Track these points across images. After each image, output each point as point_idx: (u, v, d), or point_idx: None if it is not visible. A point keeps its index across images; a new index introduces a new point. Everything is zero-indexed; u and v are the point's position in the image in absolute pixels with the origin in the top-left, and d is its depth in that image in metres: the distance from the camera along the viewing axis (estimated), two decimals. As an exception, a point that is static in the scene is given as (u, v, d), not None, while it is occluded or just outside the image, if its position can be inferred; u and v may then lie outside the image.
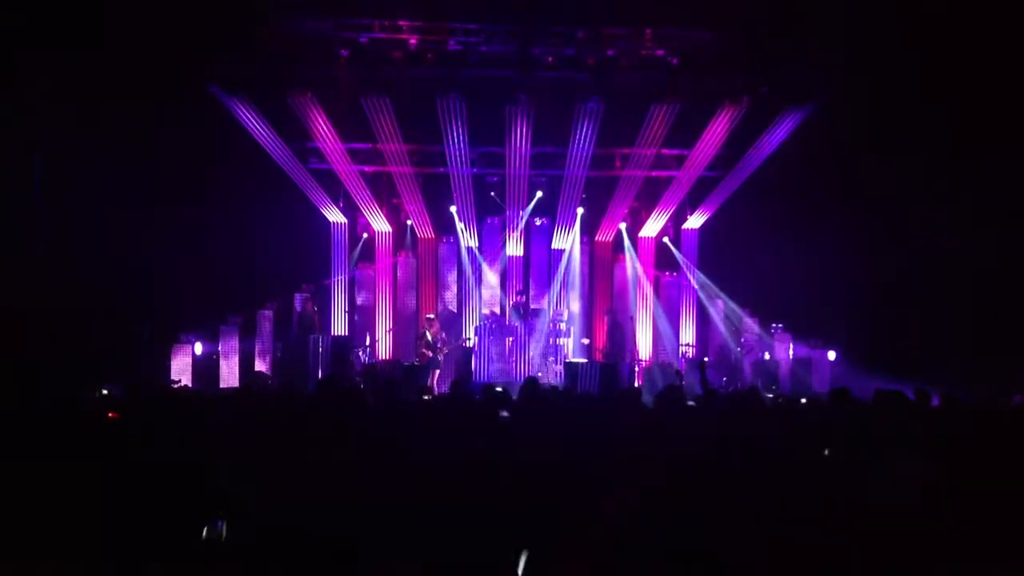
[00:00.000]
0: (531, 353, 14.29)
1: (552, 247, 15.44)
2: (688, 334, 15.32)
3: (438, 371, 13.29)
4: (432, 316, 13.99)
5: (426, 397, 6.74)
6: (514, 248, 15.23)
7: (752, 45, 12.31)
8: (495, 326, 14.56)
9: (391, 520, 4.06)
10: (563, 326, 14.60)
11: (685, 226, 15.36)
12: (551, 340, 14.48)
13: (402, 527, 4.02)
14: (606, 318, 14.68)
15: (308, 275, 14.83)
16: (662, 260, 15.50)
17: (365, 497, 4.19)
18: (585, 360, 13.85)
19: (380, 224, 15.19)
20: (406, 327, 15.19)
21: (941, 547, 3.93)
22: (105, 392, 8.27)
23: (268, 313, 14.30)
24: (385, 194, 14.84)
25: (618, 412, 6.09)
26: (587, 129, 13.03)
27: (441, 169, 14.22)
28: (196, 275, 12.71)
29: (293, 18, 12.02)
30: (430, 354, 13.17)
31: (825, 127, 12.73)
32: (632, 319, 14.42)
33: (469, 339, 14.47)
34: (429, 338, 13.29)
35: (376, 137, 13.14)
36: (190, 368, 13.34)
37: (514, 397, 6.55)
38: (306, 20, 12.11)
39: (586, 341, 14.52)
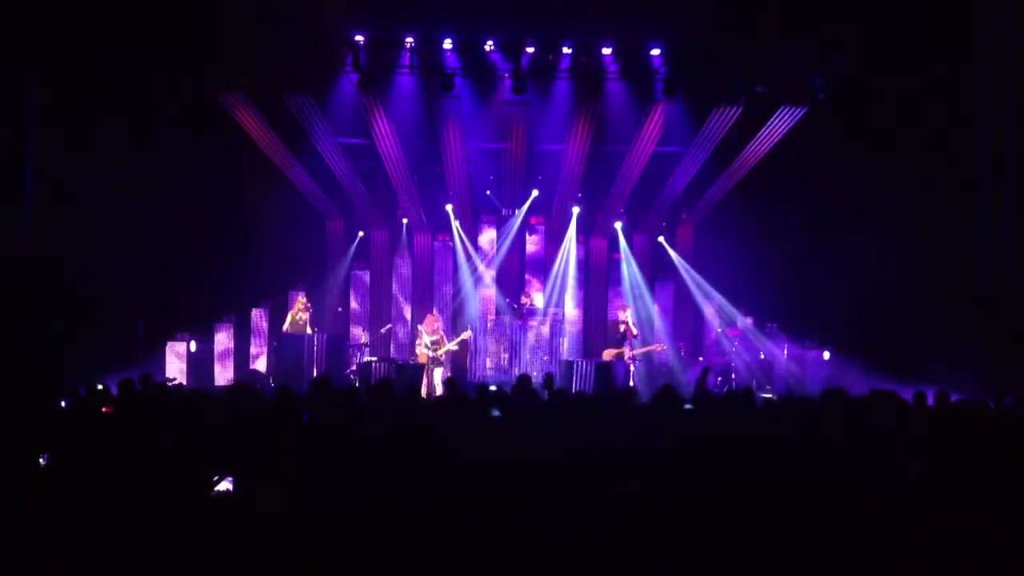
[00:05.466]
0: (526, 352, 14.29)
1: (547, 246, 15.44)
2: (683, 333, 15.33)
3: (442, 369, 13.15)
4: (434, 314, 13.84)
5: (424, 396, 6.73)
6: (510, 247, 15.23)
7: (750, 45, 12.30)
8: (491, 325, 14.55)
9: (380, 519, 4.06)
10: (560, 325, 14.61)
11: (680, 225, 15.38)
12: (547, 339, 14.48)
13: (392, 526, 4.02)
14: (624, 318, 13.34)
15: (303, 274, 14.83)
16: (657, 259, 15.51)
17: (357, 495, 4.19)
18: (580, 359, 13.81)
19: (375, 223, 15.17)
20: (401, 326, 15.19)
21: (937, 545, 3.94)
22: (100, 388, 8.25)
23: (263, 312, 14.28)
24: (381, 192, 14.80)
25: (613, 412, 6.09)
26: (583, 128, 13.01)
27: (437, 168, 14.20)
28: (191, 273, 12.69)
29: (292, 17, 11.98)
30: (431, 354, 13.02)
31: (821, 126, 12.74)
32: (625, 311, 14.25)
33: (465, 338, 14.43)
34: (427, 340, 13.11)
35: (372, 135, 13.11)
36: (185, 365, 13.33)
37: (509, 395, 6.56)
38: (304, 19, 12.07)
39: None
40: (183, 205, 12.66)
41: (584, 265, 15.53)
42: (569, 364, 12.87)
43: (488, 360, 14.45)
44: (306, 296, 14.00)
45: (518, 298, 14.67)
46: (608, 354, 13.03)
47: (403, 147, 13.39)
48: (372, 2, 12.41)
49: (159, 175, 12.39)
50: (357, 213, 15.09)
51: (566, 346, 14.70)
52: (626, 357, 12.91)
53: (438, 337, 13.13)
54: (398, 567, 3.94)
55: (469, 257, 15.16)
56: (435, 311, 14.43)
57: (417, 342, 13.38)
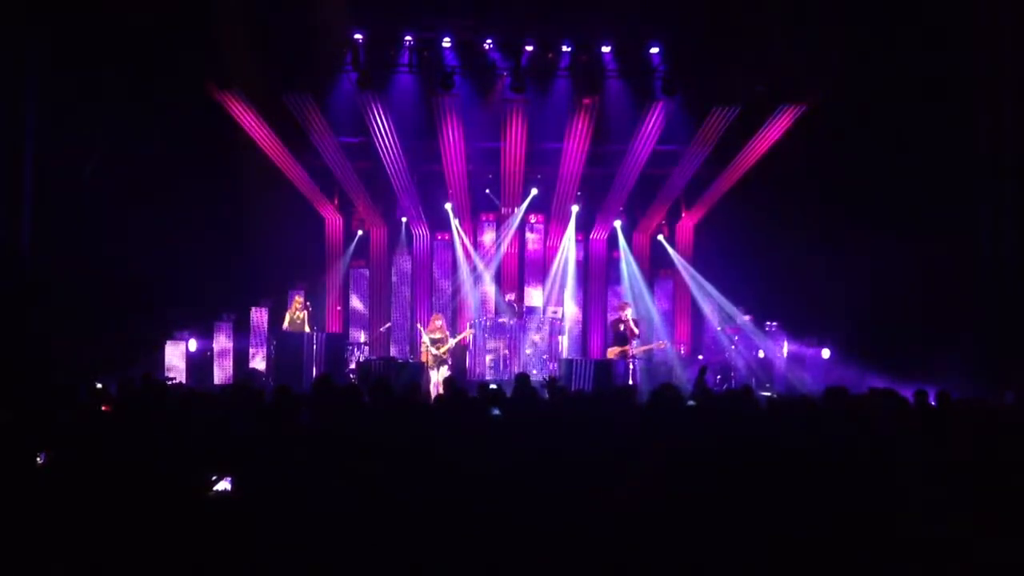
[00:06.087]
0: (526, 350, 14.29)
1: (547, 245, 15.44)
2: (682, 332, 15.33)
3: (446, 367, 13.08)
4: (436, 315, 13.78)
5: (425, 395, 6.74)
6: (508, 246, 15.23)
7: (750, 44, 12.29)
8: (490, 324, 14.54)
9: (380, 518, 4.05)
10: (559, 323, 14.60)
11: (680, 224, 15.38)
12: (546, 337, 14.47)
13: (392, 525, 4.02)
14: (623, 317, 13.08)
15: (302, 272, 14.82)
16: (657, 258, 15.51)
17: (357, 495, 4.18)
18: (580, 358, 13.82)
19: (375, 221, 15.16)
20: (400, 325, 15.18)
21: (937, 545, 3.94)
22: (100, 388, 8.25)
23: (262, 310, 14.27)
24: (380, 191, 14.79)
25: (612, 411, 6.09)
26: (583, 126, 13.01)
27: (436, 166, 14.19)
28: (191, 272, 12.68)
29: (292, 16, 11.97)
30: (435, 352, 12.98)
31: (821, 124, 12.73)
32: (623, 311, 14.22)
33: (467, 335, 14.42)
34: (428, 339, 13.07)
35: (372, 134, 13.10)
36: (184, 365, 13.32)
37: (508, 394, 6.56)
38: (304, 18, 12.05)
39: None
40: (182, 204, 12.64)
41: (583, 264, 15.52)
42: (569, 363, 12.87)
43: (488, 358, 14.44)
44: (305, 295, 14.01)
45: (513, 296, 14.65)
46: (612, 352, 13.01)
47: (402, 145, 13.37)
48: (372, 1, 12.39)
49: (158, 174, 12.38)
50: (356, 212, 15.09)
51: (566, 345, 14.69)
52: (629, 356, 12.91)
53: (441, 336, 13.10)
54: (398, 567, 3.93)
55: (468, 255, 15.14)
56: (436, 312, 14.41)
57: (420, 341, 13.36)
